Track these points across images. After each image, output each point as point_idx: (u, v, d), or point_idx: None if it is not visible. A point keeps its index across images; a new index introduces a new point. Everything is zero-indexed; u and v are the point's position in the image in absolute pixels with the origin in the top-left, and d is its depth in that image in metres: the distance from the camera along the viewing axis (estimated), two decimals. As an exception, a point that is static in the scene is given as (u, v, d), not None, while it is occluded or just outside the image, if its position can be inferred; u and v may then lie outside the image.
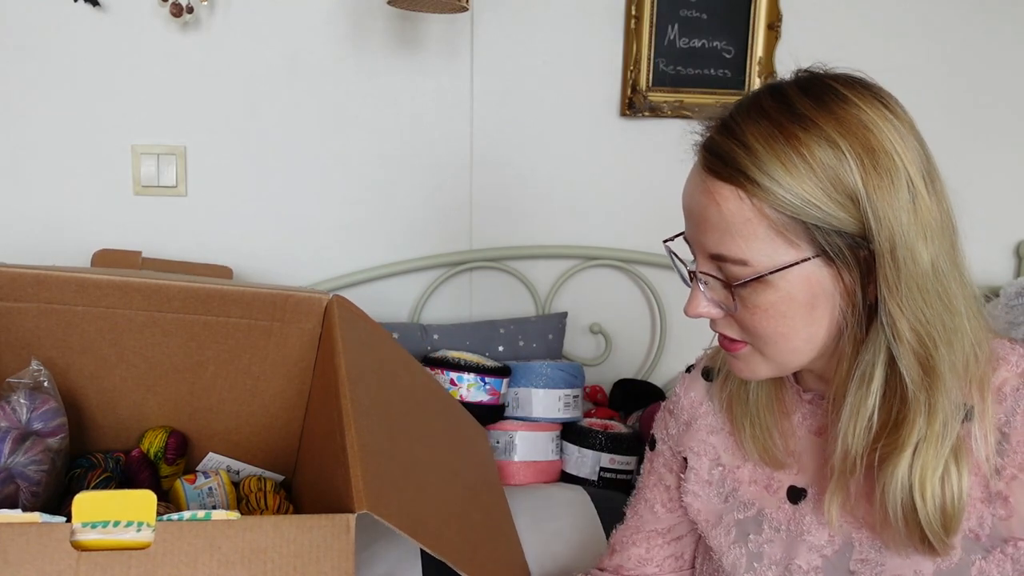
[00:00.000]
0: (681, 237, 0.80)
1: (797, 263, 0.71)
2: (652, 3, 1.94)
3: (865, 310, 0.73)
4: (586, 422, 1.76)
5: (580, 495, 1.59)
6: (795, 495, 0.84)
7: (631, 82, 1.96)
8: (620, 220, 2.02)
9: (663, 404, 1.02)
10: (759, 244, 0.71)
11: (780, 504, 0.84)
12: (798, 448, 0.85)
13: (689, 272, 0.78)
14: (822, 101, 0.71)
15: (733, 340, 0.78)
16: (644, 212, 2.01)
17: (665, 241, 0.83)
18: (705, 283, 0.76)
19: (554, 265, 2.01)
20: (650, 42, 1.96)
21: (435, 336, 1.82)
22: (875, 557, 0.77)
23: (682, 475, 0.96)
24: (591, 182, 2.00)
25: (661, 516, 1.00)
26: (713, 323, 0.79)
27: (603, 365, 2.04)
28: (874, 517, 0.76)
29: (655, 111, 1.98)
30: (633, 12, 1.93)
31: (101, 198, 1.77)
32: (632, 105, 1.97)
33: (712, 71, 2.00)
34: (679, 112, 1.97)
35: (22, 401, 1.05)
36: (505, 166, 1.96)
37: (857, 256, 0.71)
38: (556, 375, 1.74)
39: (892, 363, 0.72)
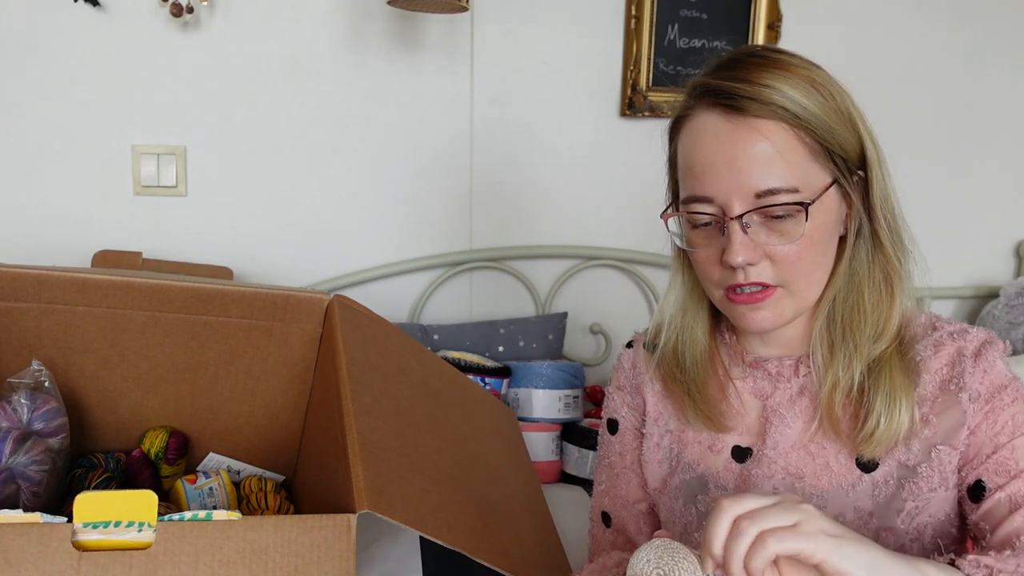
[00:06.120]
0: (682, 205, 0.82)
1: (828, 187, 0.79)
2: (652, 3, 1.94)
3: (849, 234, 0.82)
4: (586, 422, 1.76)
5: (580, 495, 1.59)
6: (741, 455, 0.88)
7: (631, 82, 1.96)
8: (620, 220, 2.02)
9: (608, 389, 1.02)
10: (804, 170, 0.77)
11: (726, 464, 0.88)
12: (742, 410, 0.88)
13: (730, 220, 0.78)
14: (787, 53, 0.81)
15: (764, 287, 0.79)
16: (644, 212, 2.00)
17: (669, 215, 0.86)
18: (748, 226, 0.78)
19: (554, 265, 2.01)
20: (650, 42, 1.96)
21: (435, 336, 1.82)
22: (816, 501, 0.82)
23: (640, 447, 0.97)
24: (591, 182, 2.00)
25: (640, 493, 0.99)
26: (746, 273, 0.79)
27: (603, 365, 2.04)
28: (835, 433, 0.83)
29: (655, 111, 1.98)
30: (633, 12, 1.94)
31: (101, 198, 1.77)
32: (632, 105, 1.97)
33: (712, 71, 2.00)
34: (679, 112, 1.97)
35: (23, 401, 1.05)
36: (505, 166, 1.96)
37: (853, 181, 0.80)
38: (556, 375, 1.74)
39: (871, 272, 0.82)
